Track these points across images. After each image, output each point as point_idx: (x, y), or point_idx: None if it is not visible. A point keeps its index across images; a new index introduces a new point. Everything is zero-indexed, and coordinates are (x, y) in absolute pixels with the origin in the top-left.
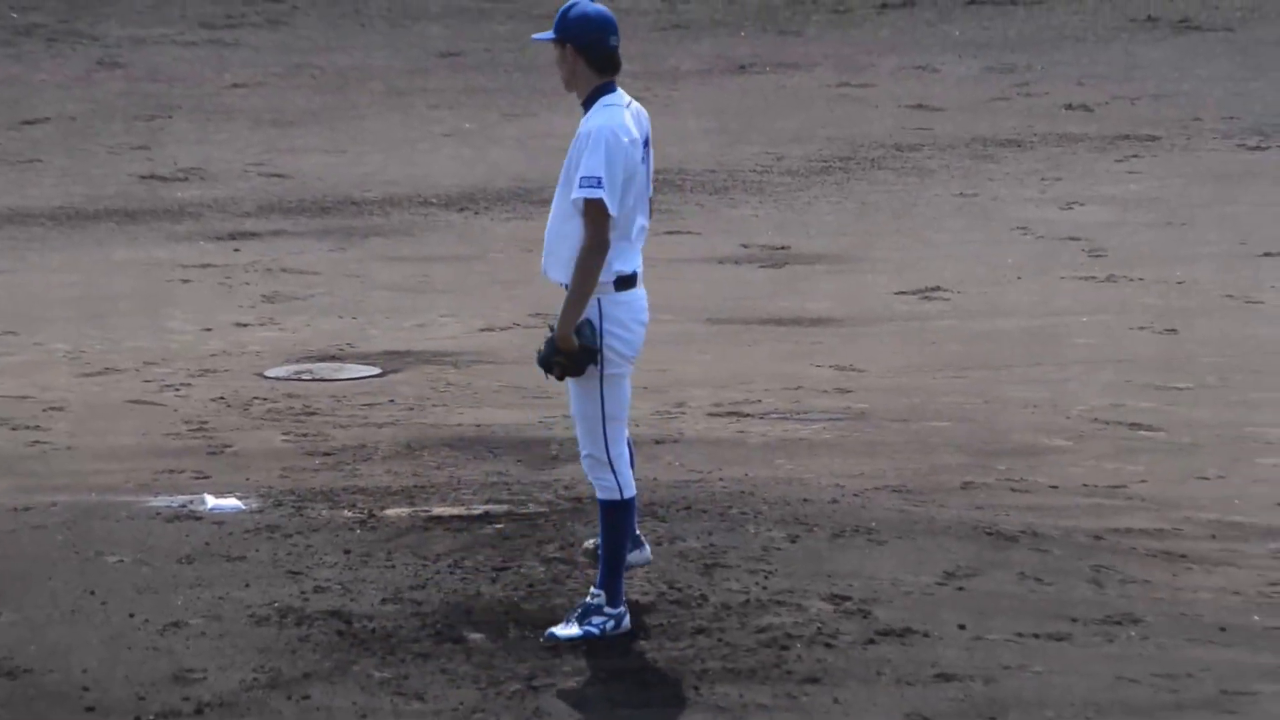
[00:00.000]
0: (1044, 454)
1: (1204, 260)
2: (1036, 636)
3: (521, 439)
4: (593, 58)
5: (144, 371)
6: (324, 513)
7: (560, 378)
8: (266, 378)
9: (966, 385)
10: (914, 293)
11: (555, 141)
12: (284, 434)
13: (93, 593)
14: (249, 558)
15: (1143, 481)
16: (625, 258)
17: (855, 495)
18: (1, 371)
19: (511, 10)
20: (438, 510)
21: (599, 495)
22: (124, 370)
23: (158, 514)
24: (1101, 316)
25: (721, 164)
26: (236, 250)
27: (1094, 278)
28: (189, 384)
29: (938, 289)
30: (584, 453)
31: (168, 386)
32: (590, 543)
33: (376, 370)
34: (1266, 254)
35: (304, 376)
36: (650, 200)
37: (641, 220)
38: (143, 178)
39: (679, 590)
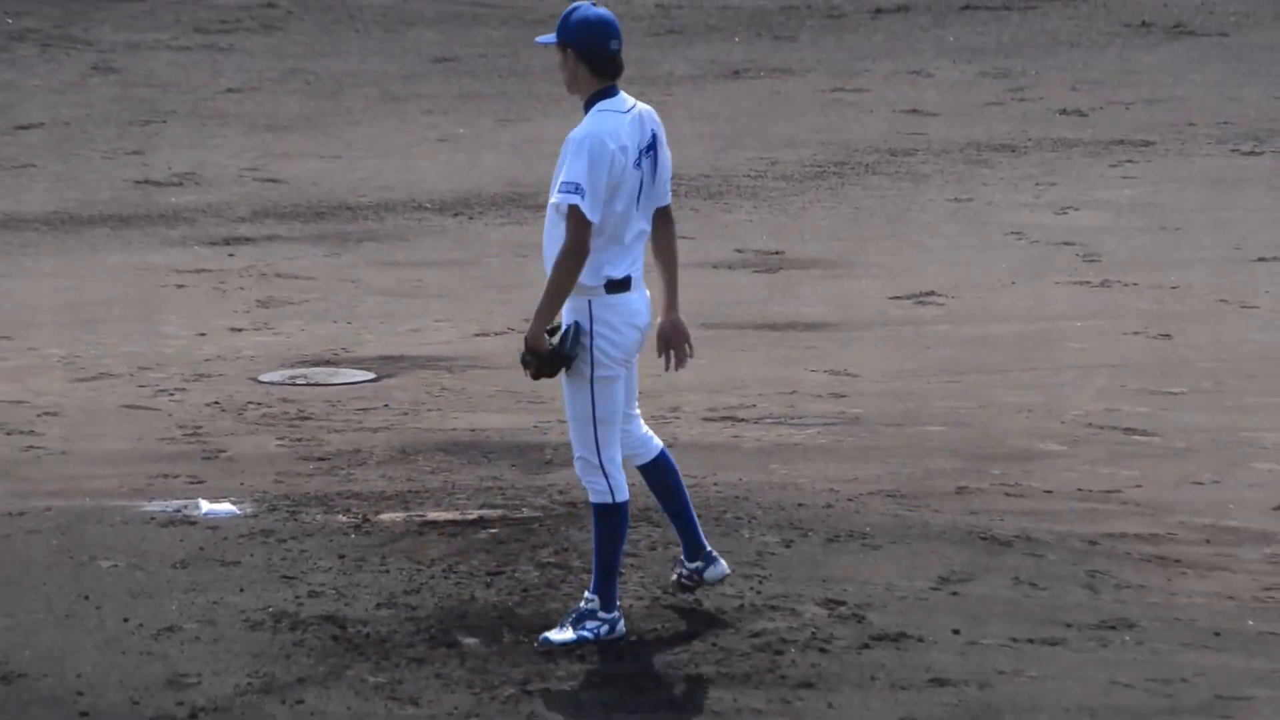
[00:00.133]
0: (1038, 459)
1: (1198, 265)
2: (1031, 641)
3: (516, 444)
4: (593, 62)
5: (138, 376)
6: (318, 517)
7: (535, 377)
8: (261, 382)
9: (960, 390)
10: (908, 297)
11: (549, 146)
12: (278, 439)
13: (87, 597)
14: (243, 562)
15: (1137, 486)
16: (616, 263)
17: (849, 500)
18: None
19: (505, 16)
20: (432, 515)
21: (591, 499)
22: (118, 375)
23: (152, 519)
24: (1095, 321)
25: (716, 169)
26: (230, 255)
27: (1088, 283)
28: (183, 389)
29: (932, 294)
30: (576, 455)
31: (162, 391)
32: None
33: (371, 375)
34: (1260, 259)
35: (298, 381)
36: (668, 205)
37: (641, 224)
38: (137, 183)
39: (673, 595)
